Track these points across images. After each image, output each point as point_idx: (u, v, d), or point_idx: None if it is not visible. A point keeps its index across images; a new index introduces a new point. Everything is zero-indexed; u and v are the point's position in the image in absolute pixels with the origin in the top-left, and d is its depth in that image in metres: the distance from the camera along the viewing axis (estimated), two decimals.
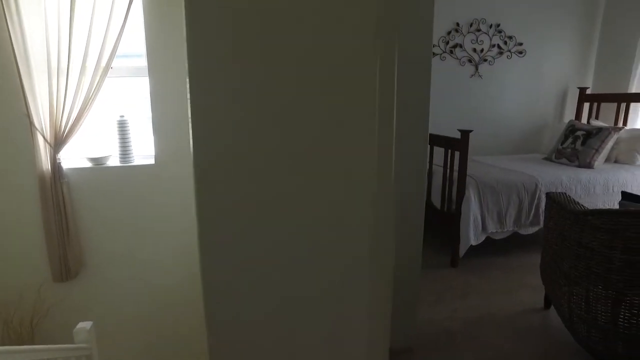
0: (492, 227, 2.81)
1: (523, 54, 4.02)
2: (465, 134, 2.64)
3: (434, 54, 3.76)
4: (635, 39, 3.77)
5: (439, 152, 2.99)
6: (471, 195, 2.71)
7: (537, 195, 2.89)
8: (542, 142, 4.26)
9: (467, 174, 2.82)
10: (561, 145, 3.59)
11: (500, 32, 3.90)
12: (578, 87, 4.15)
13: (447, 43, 3.79)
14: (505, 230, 2.86)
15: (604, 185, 3.08)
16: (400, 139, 1.79)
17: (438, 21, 3.70)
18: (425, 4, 1.64)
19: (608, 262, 1.67)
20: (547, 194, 2.16)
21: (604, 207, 3.05)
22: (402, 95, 1.73)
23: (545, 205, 2.20)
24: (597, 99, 3.98)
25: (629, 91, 3.81)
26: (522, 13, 3.92)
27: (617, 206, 2.38)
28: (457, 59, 3.85)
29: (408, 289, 1.93)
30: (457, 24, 3.77)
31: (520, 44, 3.99)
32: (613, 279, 1.67)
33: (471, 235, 2.71)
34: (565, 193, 2.09)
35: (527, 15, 3.93)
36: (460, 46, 3.83)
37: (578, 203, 1.95)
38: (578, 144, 3.44)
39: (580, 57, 4.19)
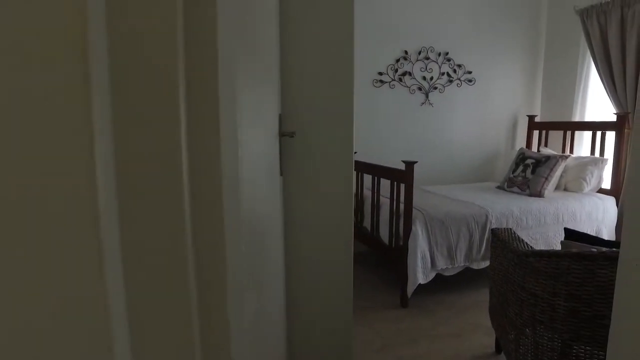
0: (442, 263, 2.66)
1: (473, 82, 4.02)
2: (410, 165, 2.51)
3: (382, 82, 3.69)
4: (574, 70, 3.85)
5: (386, 184, 2.84)
6: (418, 230, 2.56)
7: (487, 228, 2.78)
8: (496, 170, 4.23)
9: (415, 206, 2.68)
10: (512, 173, 3.54)
11: (449, 60, 3.89)
12: (527, 115, 4.18)
13: (396, 71, 3.73)
14: (457, 265, 2.72)
15: (554, 214, 3.01)
16: (323, 169, 1.63)
17: (386, 49, 3.66)
18: (344, 20, 1.52)
19: (552, 309, 1.53)
20: (492, 230, 2.03)
21: (554, 238, 2.97)
22: (324, 120, 1.58)
23: (491, 243, 2.07)
24: (545, 126, 4.01)
25: (573, 119, 3.85)
26: (469, 42, 3.93)
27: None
28: (407, 87, 3.79)
29: (340, 340, 1.71)
30: (406, 52, 3.73)
31: (470, 72, 3.99)
32: (558, 329, 1.52)
33: (419, 274, 2.54)
34: (510, 229, 1.97)
35: (474, 44, 3.95)
36: (410, 74, 3.78)
37: (522, 241, 1.82)
38: (528, 172, 3.40)
39: (527, 85, 4.24)
